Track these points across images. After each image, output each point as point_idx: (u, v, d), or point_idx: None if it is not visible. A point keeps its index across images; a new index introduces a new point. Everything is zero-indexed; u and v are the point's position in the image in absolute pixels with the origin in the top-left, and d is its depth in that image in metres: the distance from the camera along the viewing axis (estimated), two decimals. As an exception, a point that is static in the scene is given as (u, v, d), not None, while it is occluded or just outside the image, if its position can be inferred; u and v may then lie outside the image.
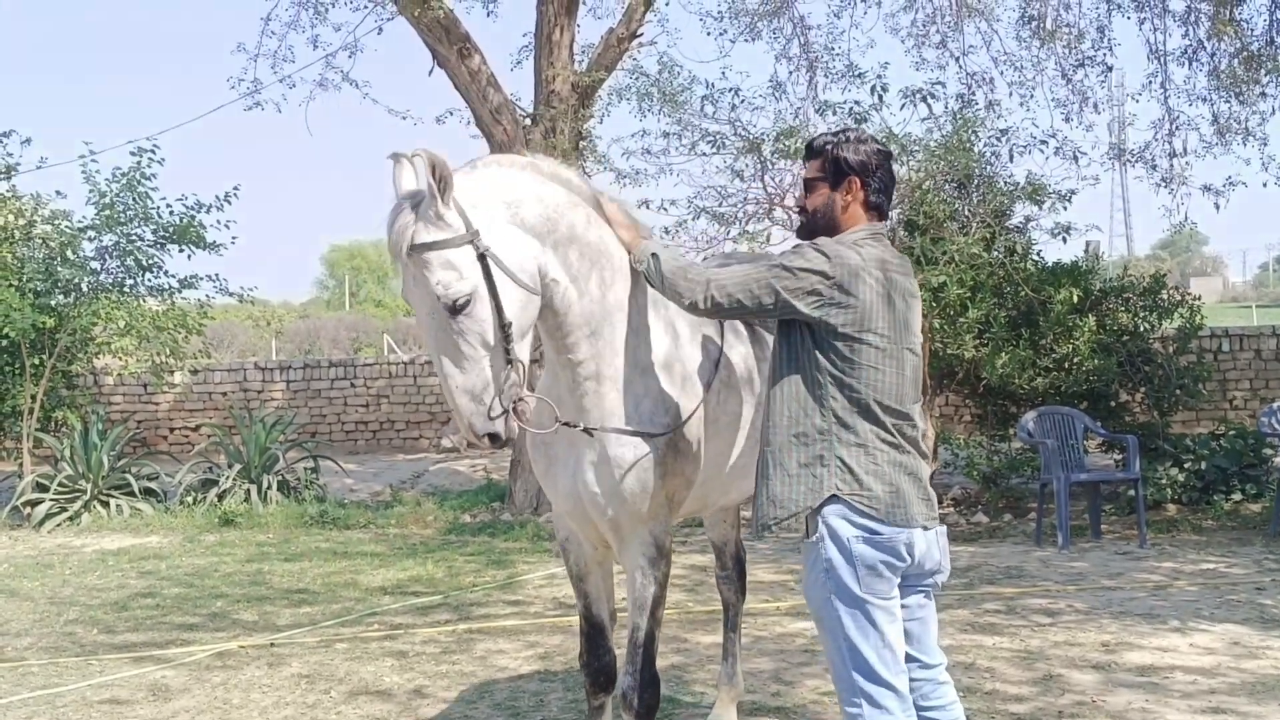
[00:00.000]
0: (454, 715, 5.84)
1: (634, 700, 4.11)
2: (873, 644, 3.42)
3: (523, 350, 3.61)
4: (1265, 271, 75.73)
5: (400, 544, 11.03)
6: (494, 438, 3.55)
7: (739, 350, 4.40)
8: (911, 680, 3.55)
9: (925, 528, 3.49)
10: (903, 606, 3.53)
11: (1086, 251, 12.70)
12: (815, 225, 3.66)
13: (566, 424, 3.92)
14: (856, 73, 10.86)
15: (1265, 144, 11.81)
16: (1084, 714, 5.51)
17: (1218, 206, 11.73)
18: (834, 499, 3.44)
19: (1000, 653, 6.61)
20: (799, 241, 3.68)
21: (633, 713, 4.12)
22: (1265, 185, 11.97)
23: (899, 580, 3.48)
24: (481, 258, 3.49)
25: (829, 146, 3.65)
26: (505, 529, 11.55)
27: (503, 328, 3.51)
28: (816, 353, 3.48)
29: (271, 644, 7.32)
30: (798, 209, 3.84)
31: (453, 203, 3.47)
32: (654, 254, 3.77)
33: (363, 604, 8.45)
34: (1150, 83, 12.06)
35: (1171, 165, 11.68)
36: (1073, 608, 7.70)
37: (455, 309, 3.46)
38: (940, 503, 11.59)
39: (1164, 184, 11.75)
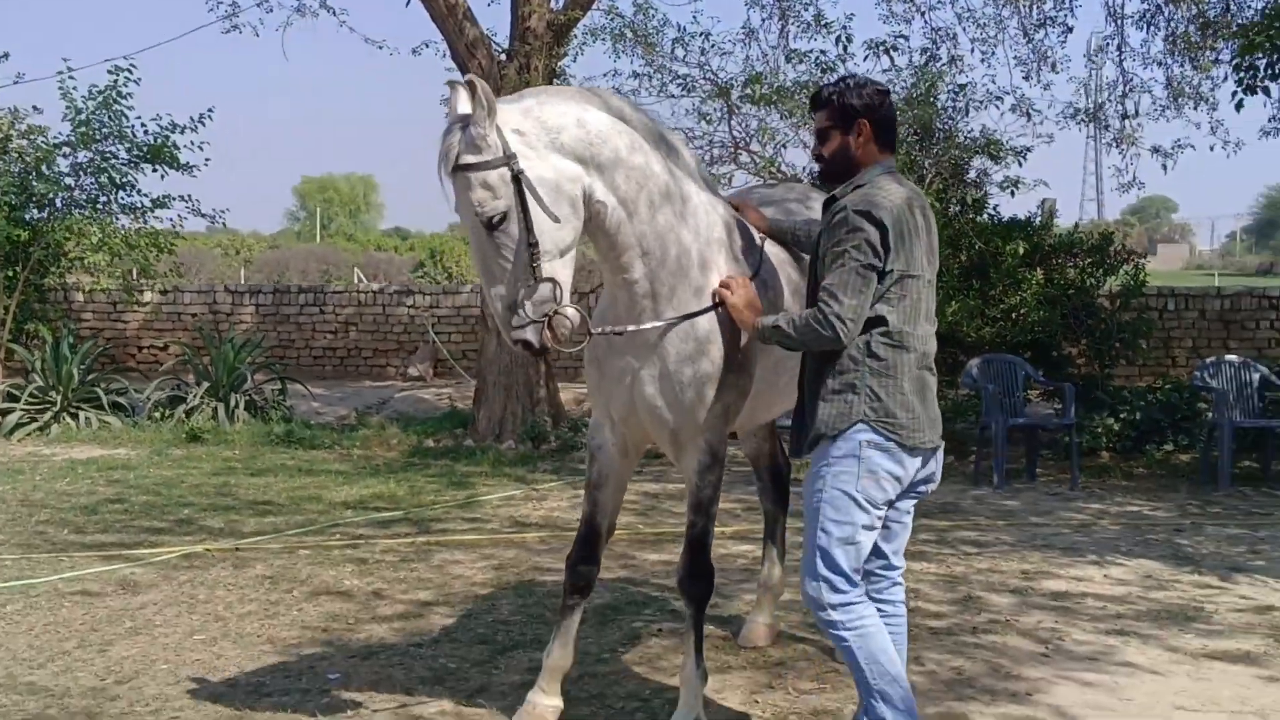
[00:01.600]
0: (410, 614, 6.20)
1: (689, 586, 4.48)
2: (844, 536, 3.78)
3: (560, 269, 3.87)
4: (1232, 241, 76.56)
5: (364, 464, 11.34)
6: (526, 345, 3.83)
7: (784, 273, 4.67)
8: (874, 573, 4.00)
9: (934, 448, 3.89)
10: (894, 508, 3.91)
11: (1041, 208, 13.07)
12: (835, 169, 3.99)
13: (599, 332, 4.26)
14: (823, 22, 11.15)
15: (1214, 109, 12.20)
16: (996, 630, 5.94)
17: (1165, 168, 12.14)
18: (861, 422, 3.78)
19: (926, 577, 7.03)
20: (827, 193, 4.03)
21: (689, 597, 4.49)
22: (1212, 149, 12.39)
23: (895, 495, 3.84)
24: (515, 179, 3.76)
25: (834, 96, 3.97)
26: (467, 454, 11.89)
27: (530, 245, 3.78)
28: None
29: (236, 548, 7.64)
30: (814, 157, 4.15)
31: (495, 128, 3.75)
32: (775, 325, 3.94)
33: (326, 516, 8.77)
34: (1107, 45, 12.41)
35: (1123, 126, 12.07)
36: (1000, 540, 8.15)
37: (491, 225, 3.77)
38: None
39: (1115, 144, 12.14)
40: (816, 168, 4.20)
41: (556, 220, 3.85)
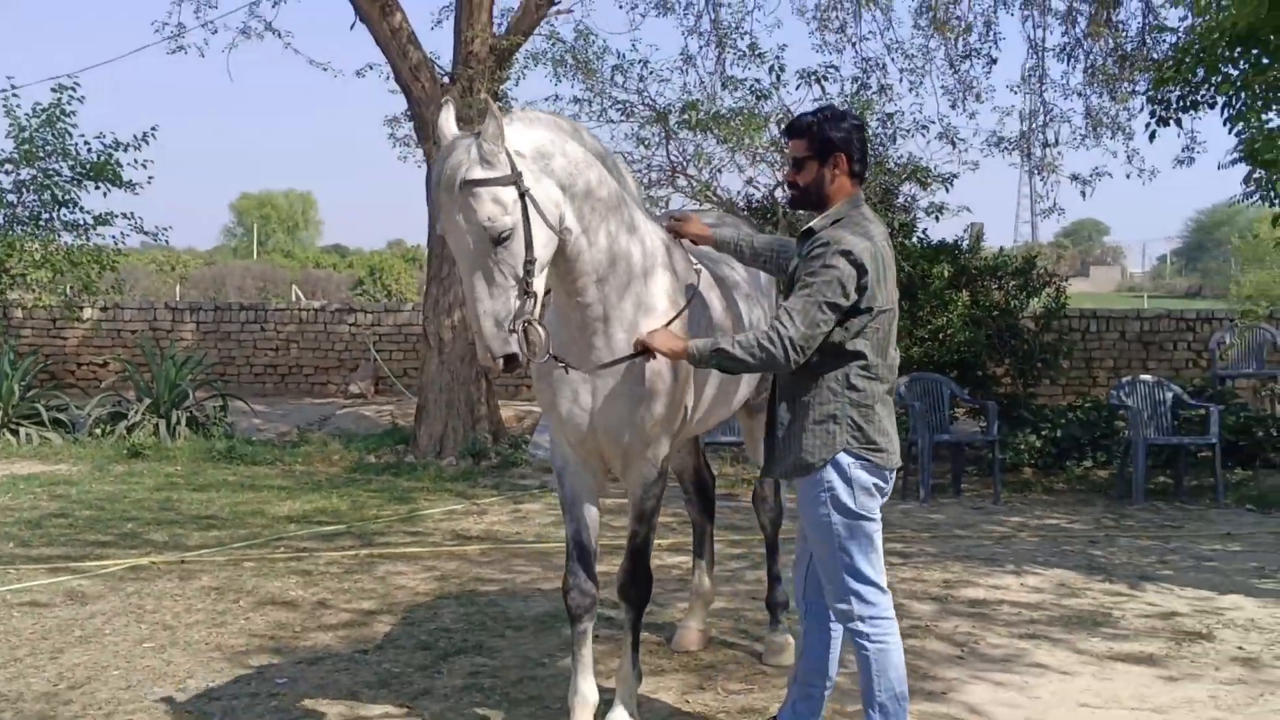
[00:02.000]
0: (355, 622, 6.41)
1: (630, 592, 4.71)
2: (863, 550, 4.04)
3: (539, 284, 3.99)
4: (1163, 264, 78.12)
5: (306, 480, 11.45)
6: (510, 359, 3.89)
7: (715, 294, 4.89)
8: None
9: (899, 465, 4.19)
10: None
11: (970, 232, 13.51)
12: (808, 199, 4.17)
13: (557, 359, 4.33)
14: (757, 52, 11.53)
15: (1130, 138, 12.76)
16: (916, 635, 6.25)
17: (1084, 195, 12.68)
18: (844, 451, 4.02)
19: (854, 586, 7.34)
20: (808, 226, 4.16)
21: (629, 602, 4.72)
22: (1128, 177, 12.93)
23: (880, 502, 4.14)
24: (522, 197, 3.91)
25: (814, 126, 4.10)
26: (408, 470, 12.07)
27: (529, 261, 3.91)
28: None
29: (182, 561, 7.79)
30: (788, 184, 4.33)
31: (504, 147, 3.90)
32: (716, 348, 4.06)
33: (269, 530, 8.92)
34: (1029, 76, 12.94)
35: (1044, 154, 12.58)
36: (924, 551, 8.49)
37: (498, 240, 3.87)
38: (819, 460, 12.39)
39: (1037, 171, 12.66)
40: (787, 193, 4.49)
41: (548, 239, 4.03)
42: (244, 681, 5.40)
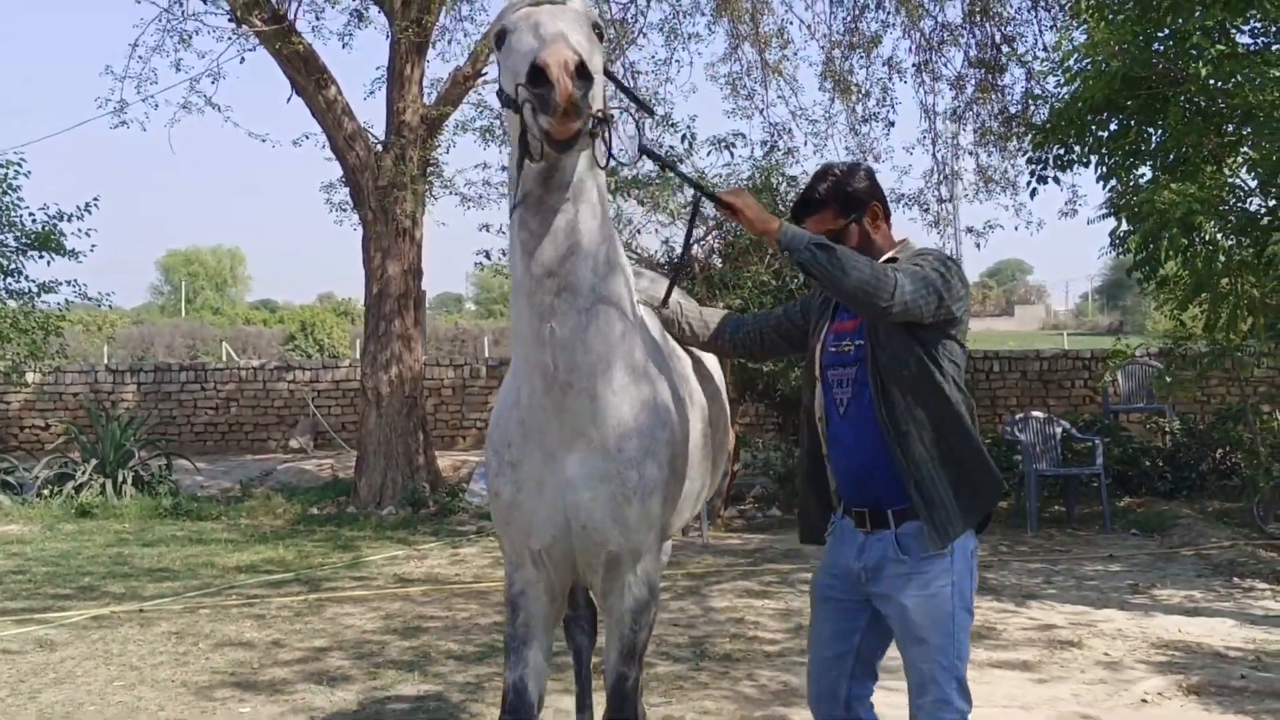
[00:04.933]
0: (309, 658, 6.99)
1: None
2: (968, 647, 3.49)
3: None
4: (1085, 301, 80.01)
5: (252, 532, 11.96)
6: (583, 76, 2.88)
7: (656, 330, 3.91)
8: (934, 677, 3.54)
9: None
10: None
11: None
12: None
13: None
14: (671, 122, 12.35)
15: (1015, 193, 13.76)
16: (819, 651, 6.96)
17: (979, 246, 13.70)
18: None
19: (766, 610, 8.07)
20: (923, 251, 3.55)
21: None
22: (1016, 229, 13.95)
23: None
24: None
25: (832, 190, 3.54)
26: (350, 520, 12.61)
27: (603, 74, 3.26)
28: (946, 358, 3.44)
29: (141, 610, 8.30)
30: None
31: None
32: (819, 244, 3.26)
33: (221, 580, 9.43)
34: (923, 138, 13.95)
35: (941, 209, 13.55)
36: (832, 579, 9.20)
37: (595, 32, 3.28)
38: (742, 500, 13.11)
39: (934, 225, 13.63)
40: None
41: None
42: (209, 712, 5.96)
